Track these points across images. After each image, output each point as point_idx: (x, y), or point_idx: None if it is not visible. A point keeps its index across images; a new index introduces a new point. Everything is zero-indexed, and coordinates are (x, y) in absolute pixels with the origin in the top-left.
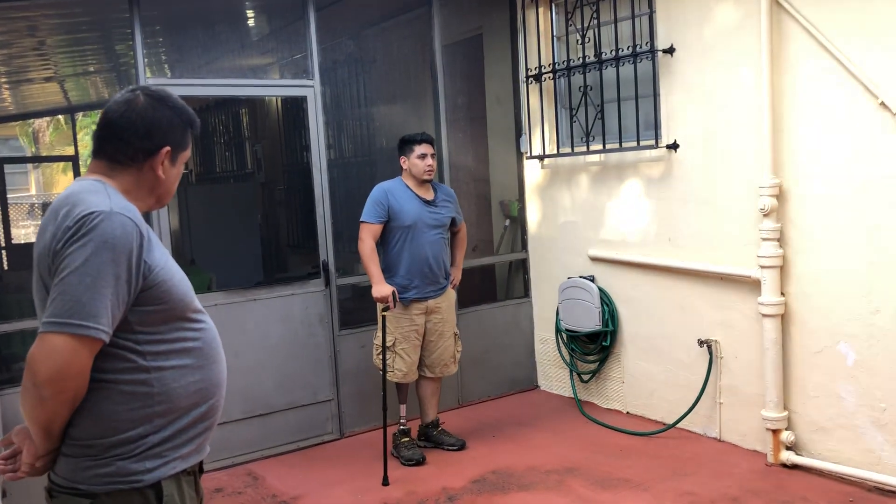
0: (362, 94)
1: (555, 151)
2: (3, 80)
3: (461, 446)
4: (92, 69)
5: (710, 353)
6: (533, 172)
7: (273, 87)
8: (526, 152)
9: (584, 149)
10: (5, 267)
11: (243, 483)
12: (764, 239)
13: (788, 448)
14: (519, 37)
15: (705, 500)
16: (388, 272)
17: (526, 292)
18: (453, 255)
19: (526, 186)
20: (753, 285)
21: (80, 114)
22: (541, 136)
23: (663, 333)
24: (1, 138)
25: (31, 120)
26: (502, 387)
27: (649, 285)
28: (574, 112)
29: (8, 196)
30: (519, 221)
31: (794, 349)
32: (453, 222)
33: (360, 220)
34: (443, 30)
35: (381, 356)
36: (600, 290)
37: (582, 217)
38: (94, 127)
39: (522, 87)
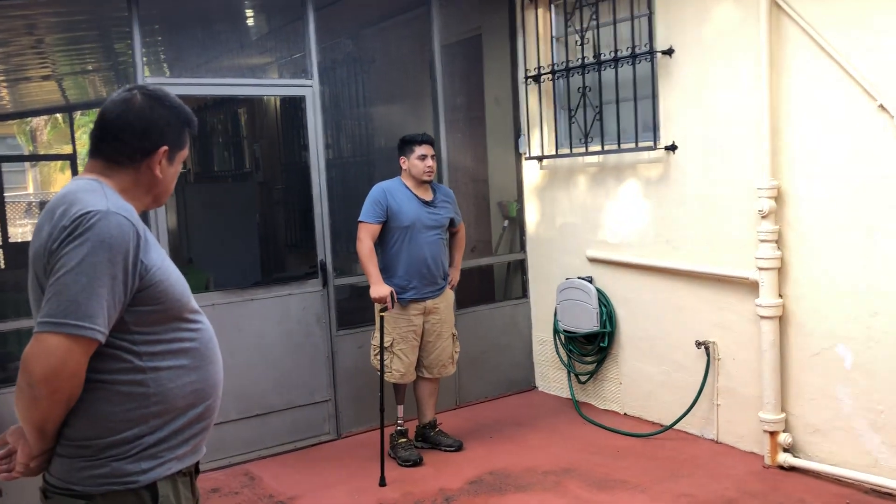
0: (361, 94)
1: (553, 152)
2: (1, 78)
3: (458, 447)
4: (90, 68)
5: (708, 355)
6: (531, 173)
7: (271, 87)
8: (525, 153)
9: (582, 150)
10: (2, 265)
11: (240, 483)
12: (762, 241)
13: (786, 450)
14: (518, 37)
15: (702, 501)
16: (387, 272)
17: (524, 293)
18: (452, 255)
19: (524, 187)
20: (751, 287)
21: (78, 112)
22: (539, 137)
23: (661, 335)
24: None
25: (29, 118)
26: (500, 388)
27: (647, 286)
28: (573, 113)
29: (5, 194)
30: (517, 222)
31: (792, 351)
32: (452, 223)
33: (359, 219)
34: (442, 30)
35: (378, 357)
36: (598, 291)
37: (580, 218)
38: (91, 126)
39: (521, 87)
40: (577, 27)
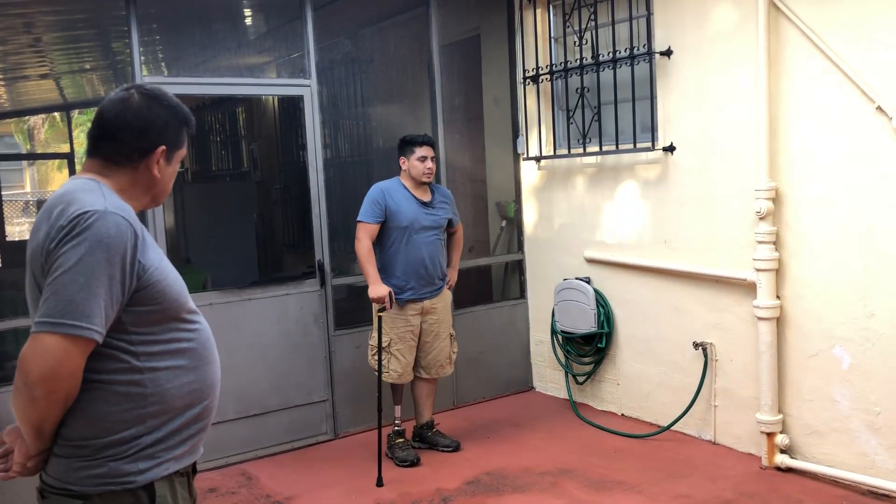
0: (359, 94)
1: (551, 153)
2: None
3: (456, 447)
4: (88, 66)
5: (706, 356)
6: (529, 174)
7: (270, 87)
8: (523, 153)
9: (580, 150)
10: None
11: (237, 483)
12: (760, 242)
13: (783, 451)
14: (516, 38)
15: (699, 502)
16: (385, 273)
17: (522, 293)
18: (449, 256)
19: (522, 188)
20: (749, 288)
21: (76, 111)
22: (538, 138)
23: (659, 336)
24: None
25: (27, 117)
26: (497, 388)
27: (645, 287)
28: (571, 114)
29: (3, 193)
30: (515, 222)
31: (789, 352)
32: (450, 223)
33: (357, 219)
34: (440, 30)
35: (376, 357)
36: (596, 291)
37: (578, 219)
38: (89, 125)
39: (520, 88)
40: (576, 28)
